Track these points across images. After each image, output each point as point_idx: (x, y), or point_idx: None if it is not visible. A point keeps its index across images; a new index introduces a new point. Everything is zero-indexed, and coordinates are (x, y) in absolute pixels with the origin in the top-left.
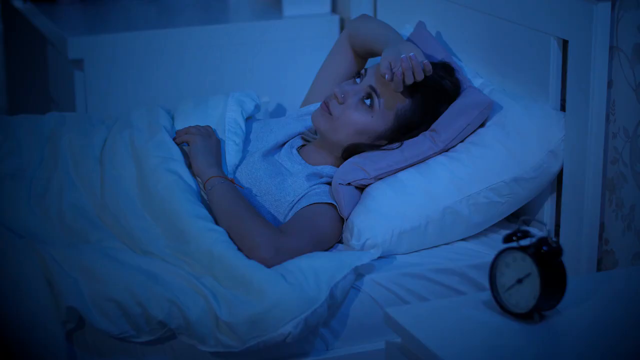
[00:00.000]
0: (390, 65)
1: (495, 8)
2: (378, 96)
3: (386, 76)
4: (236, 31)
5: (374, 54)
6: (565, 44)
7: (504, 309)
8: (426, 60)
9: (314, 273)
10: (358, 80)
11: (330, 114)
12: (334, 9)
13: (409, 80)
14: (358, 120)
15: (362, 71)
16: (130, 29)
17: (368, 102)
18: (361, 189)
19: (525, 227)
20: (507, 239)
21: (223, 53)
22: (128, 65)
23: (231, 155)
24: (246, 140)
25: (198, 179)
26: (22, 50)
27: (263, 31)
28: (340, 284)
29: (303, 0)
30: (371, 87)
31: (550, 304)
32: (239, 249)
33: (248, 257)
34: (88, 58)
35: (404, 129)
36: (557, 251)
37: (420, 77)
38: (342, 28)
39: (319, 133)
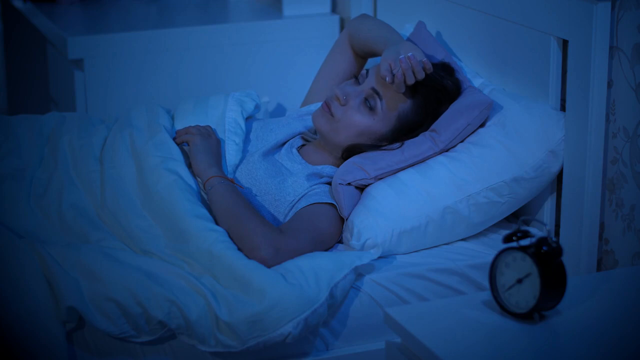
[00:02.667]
0: (390, 67)
1: (495, 8)
2: (380, 98)
3: (387, 78)
4: (236, 31)
5: (374, 54)
6: (565, 44)
7: (504, 309)
8: (425, 59)
9: (314, 273)
10: (360, 80)
11: (332, 115)
12: (333, 9)
13: (410, 81)
14: (360, 122)
15: (363, 72)
16: (130, 29)
17: (370, 103)
18: (361, 189)
19: (525, 227)
20: (507, 239)
21: (223, 53)
22: (128, 65)
23: (231, 155)
24: (246, 140)
25: (198, 179)
26: (22, 50)
27: (263, 31)
28: (340, 284)
29: (303, 0)
30: (373, 89)
31: (550, 304)
32: (239, 249)
33: (248, 257)
34: (88, 58)
35: (405, 130)
36: (557, 251)
37: (420, 76)
38: (342, 28)
39: (319, 133)
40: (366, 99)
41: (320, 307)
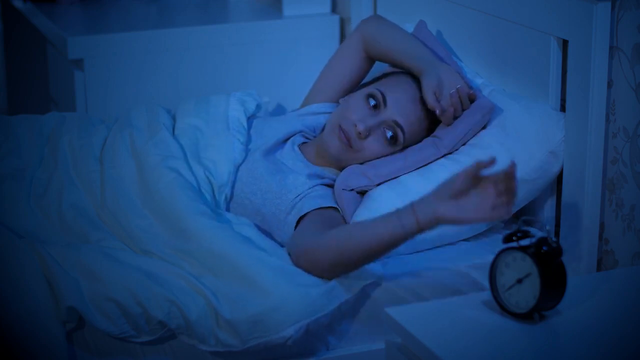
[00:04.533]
0: (436, 96)
1: (495, 8)
2: (402, 131)
3: (437, 111)
4: (236, 31)
5: (394, 64)
6: (565, 44)
7: (504, 309)
8: (472, 91)
9: (329, 286)
10: (372, 101)
11: (351, 147)
12: (333, 9)
13: (459, 114)
14: (378, 152)
15: (377, 92)
16: (130, 28)
17: (391, 135)
18: (362, 192)
19: (525, 227)
20: (507, 239)
21: (223, 53)
22: (128, 65)
23: (236, 154)
24: (247, 138)
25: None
26: (22, 50)
27: (263, 31)
28: (350, 300)
29: (303, 0)
30: (395, 122)
31: (550, 304)
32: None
33: (297, 253)
34: (88, 58)
35: (414, 144)
36: (557, 251)
37: (467, 107)
38: (342, 28)
39: (329, 154)
40: (387, 131)
41: (324, 317)
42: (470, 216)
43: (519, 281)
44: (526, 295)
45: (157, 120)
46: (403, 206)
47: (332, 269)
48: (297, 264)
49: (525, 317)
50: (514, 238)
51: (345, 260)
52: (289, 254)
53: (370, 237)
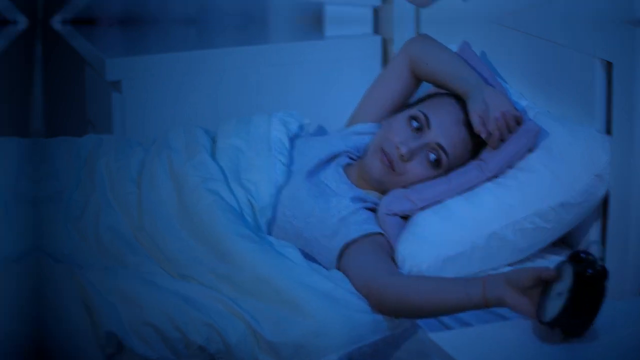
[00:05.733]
0: (482, 120)
1: (538, 29)
2: (446, 153)
3: (482, 134)
4: (276, 52)
5: (440, 86)
6: (609, 65)
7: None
8: (518, 114)
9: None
10: (415, 123)
11: (394, 170)
12: (376, 30)
13: (505, 138)
14: (421, 175)
15: (420, 114)
16: (169, 50)
17: (434, 158)
18: (406, 216)
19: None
20: (574, 256)
21: (262, 74)
22: (166, 87)
23: (278, 176)
24: (289, 159)
25: None
26: (60, 72)
27: (303, 52)
28: (397, 333)
29: (345, 20)
30: (439, 145)
31: (573, 322)
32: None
33: (365, 290)
34: (126, 79)
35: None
36: (599, 275)
37: (515, 130)
38: (384, 49)
39: (370, 178)
40: (430, 153)
41: (368, 347)
42: (530, 311)
43: (559, 294)
44: (554, 306)
45: (196, 142)
46: (471, 278)
47: (396, 313)
48: (365, 298)
49: (548, 327)
50: (582, 255)
51: (408, 311)
52: (355, 287)
53: (438, 301)
